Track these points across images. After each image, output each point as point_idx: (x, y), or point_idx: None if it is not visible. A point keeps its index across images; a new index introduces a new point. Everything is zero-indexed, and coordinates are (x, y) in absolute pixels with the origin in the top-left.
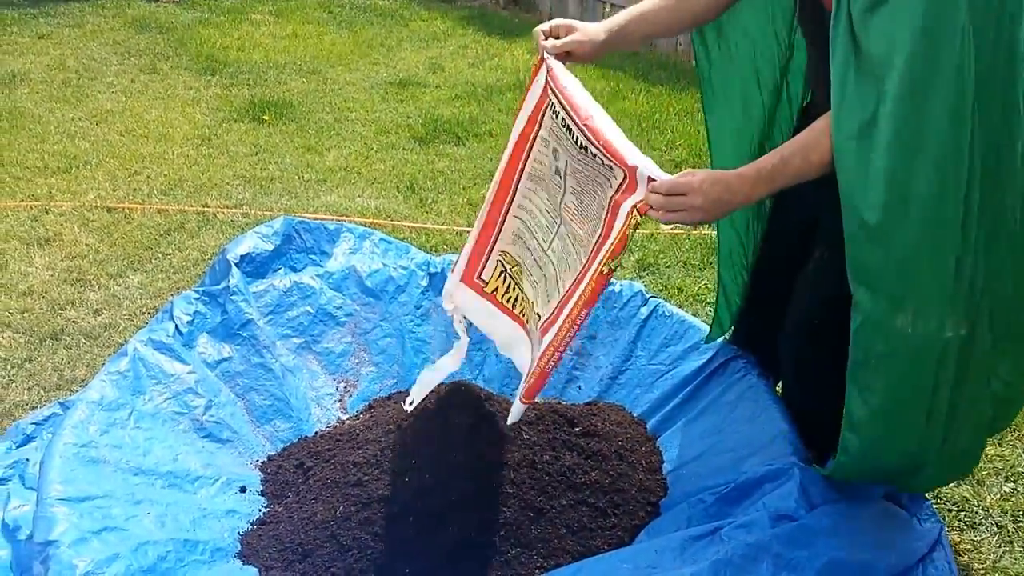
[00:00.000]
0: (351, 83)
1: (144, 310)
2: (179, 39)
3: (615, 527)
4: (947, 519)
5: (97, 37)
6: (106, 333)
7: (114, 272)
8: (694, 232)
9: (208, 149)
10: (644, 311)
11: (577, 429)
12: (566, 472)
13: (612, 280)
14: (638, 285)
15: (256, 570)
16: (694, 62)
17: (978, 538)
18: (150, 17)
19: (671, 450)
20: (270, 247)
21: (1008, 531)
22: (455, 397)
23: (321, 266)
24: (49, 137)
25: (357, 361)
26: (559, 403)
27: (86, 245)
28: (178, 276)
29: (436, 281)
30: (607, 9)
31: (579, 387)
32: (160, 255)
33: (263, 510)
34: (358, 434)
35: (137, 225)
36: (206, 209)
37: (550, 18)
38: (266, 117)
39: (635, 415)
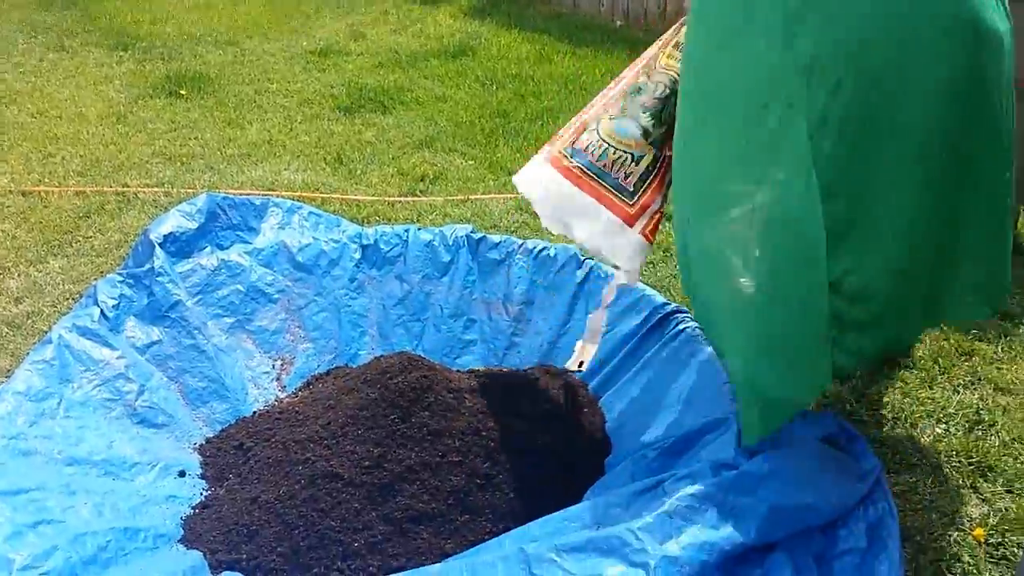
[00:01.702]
0: (270, 53)
1: (67, 296)
2: (87, 14)
3: (562, 487)
4: (884, 462)
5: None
6: (29, 321)
7: (33, 258)
8: None
9: (124, 127)
10: (580, 274)
11: (520, 395)
12: (511, 437)
13: (547, 243)
14: (573, 247)
15: (200, 554)
16: (617, 23)
17: (914, 479)
18: None
19: (613, 409)
20: (194, 225)
21: (943, 471)
22: (396, 368)
23: (249, 243)
24: None
25: (292, 338)
26: (501, 370)
27: (2, 231)
28: (101, 260)
29: (369, 253)
30: None
31: (520, 353)
32: (81, 239)
33: (204, 493)
34: (298, 411)
35: (55, 209)
36: (126, 189)
37: None
38: (183, 92)
39: (576, 377)
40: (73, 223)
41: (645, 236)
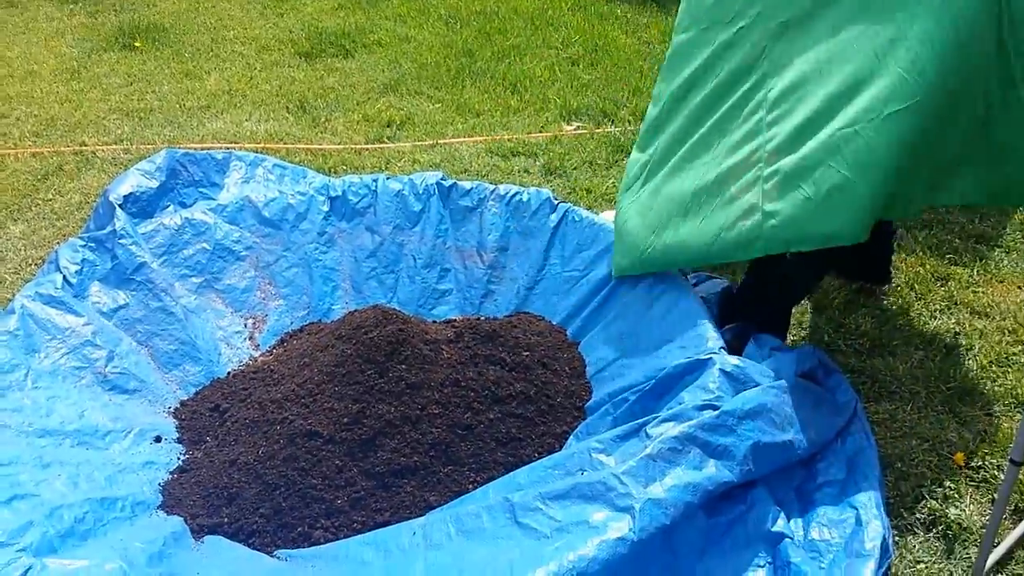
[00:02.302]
0: (225, 0)
1: (30, 262)
2: None
3: (544, 434)
4: (863, 392)
5: None
6: None
7: None
8: (597, 131)
9: (79, 83)
10: (554, 217)
11: (498, 343)
12: (491, 386)
13: (519, 188)
14: (546, 191)
15: (181, 519)
16: None
17: (893, 407)
18: None
19: (592, 353)
20: (155, 184)
21: (921, 397)
22: (371, 322)
23: (213, 199)
24: None
25: (263, 295)
26: (478, 319)
27: None
28: (63, 223)
29: (338, 205)
30: None
31: (496, 301)
32: (40, 201)
33: (182, 458)
34: (273, 370)
35: (11, 172)
36: (84, 148)
37: None
38: (137, 44)
39: (555, 323)
40: (31, 185)
41: None
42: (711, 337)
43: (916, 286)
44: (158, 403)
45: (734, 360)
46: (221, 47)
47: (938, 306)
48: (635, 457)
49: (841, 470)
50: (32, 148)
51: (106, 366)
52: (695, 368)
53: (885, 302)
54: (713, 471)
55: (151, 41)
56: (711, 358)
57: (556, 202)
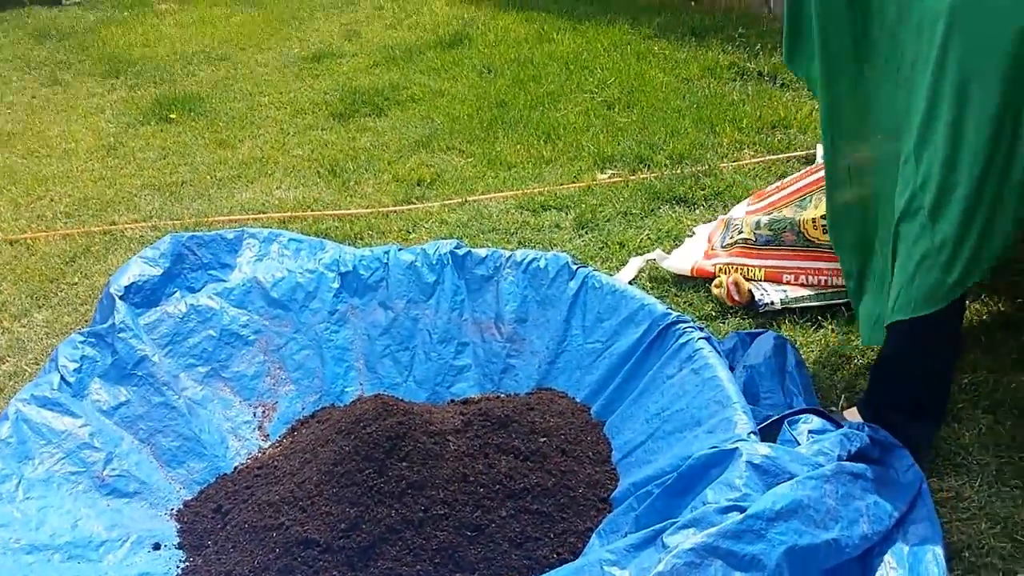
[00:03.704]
0: (262, 64)
1: (50, 352)
2: (81, 44)
3: (565, 532)
4: (924, 466)
5: None
6: (11, 383)
7: (17, 312)
8: (632, 178)
9: (114, 160)
10: (573, 285)
11: (511, 429)
12: (503, 479)
13: (536, 253)
14: (564, 256)
15: None
16: None
17: (960, 482)
18: (51, 24)
19: (619, 436)
20: (158, 271)
21: (991, 470)
22: (370, 415)
23: (224, 280)
24: None
25: (273, 381)
26: (492, 398)
27: None
28: (86, 308)
29: (349, 281)
30: None
31: (516, 377)
32: (66, 286)
33: (181, 566)
34: (277, 466)
35: (40, 256)
36: (113, 227)
37: None
38: (173, 115)
39: (578, 400)
40: (59, 270)
41: None
42: (740, 421)
43: (983, 336)
44: (160, 505)
45: (764, 449)
46: (256, 113)
47: (1009, 360)
48: (648, 573)
49: (902, 566)
50: (63, 230)
51: (104, 469)
52: (720, 460)
53: None
54: None
55: (187, 112)
56: (737, 448)
57: (575, 267)
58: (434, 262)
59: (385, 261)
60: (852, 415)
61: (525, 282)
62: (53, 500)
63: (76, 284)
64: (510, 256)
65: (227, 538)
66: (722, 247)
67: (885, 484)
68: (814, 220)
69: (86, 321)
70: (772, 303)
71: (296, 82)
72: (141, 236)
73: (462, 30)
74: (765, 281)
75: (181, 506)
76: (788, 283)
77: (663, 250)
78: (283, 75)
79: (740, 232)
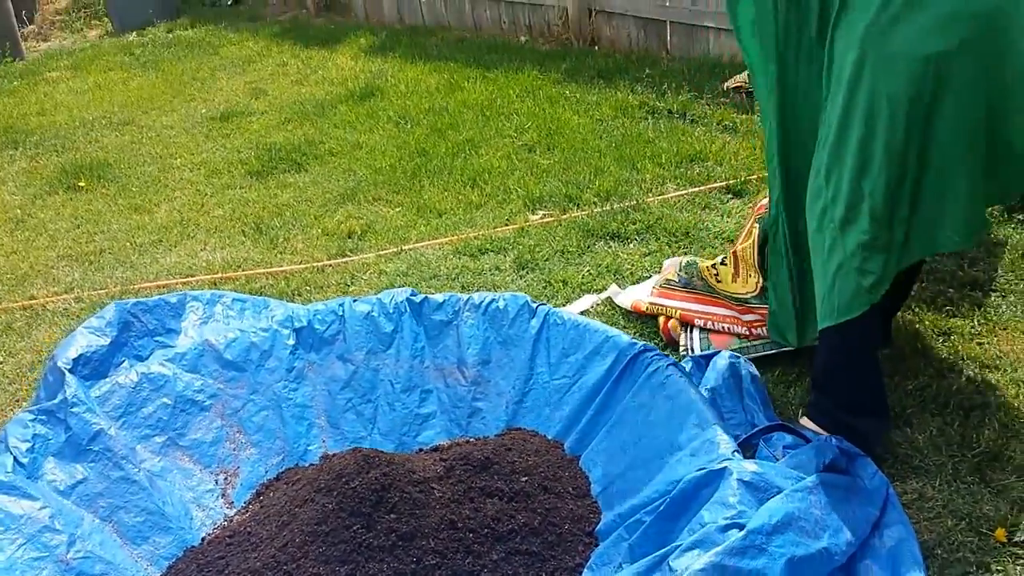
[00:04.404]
0: (169, 126)
1: None
2: None
3: (555, 570)
4: (885, 471)
5: None
6: None
7: None
8: (564, 217)
9: (24, 232)
10: (535, 323)
11: (492, 471)
12: (490, 523)
13: (494, 295)
14: (523, 296)
15: None
16: (521, 39)
17: (920, 484)
18: None
19: (596, 469)
20: (106, 341)
21: (948, 469)
22: (351, 469)
23: (171, 346)
24: None
25: (233, 446)
26: (467, 442)
27: None
28: (15, 387)
29: (304, 336)
30: (423, 7)
31: (484, 419)
32: None
33: None
34: (251, 532)
35: None
36: (32, 302)
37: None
38: (82, 183)
39: (549, 438)
40: None
41: None
42: (722, 441)
43: (919, 345)
44: None
45: (751, 466)
46: (169, 176)
47: (945, 364)
48: None
49: (885, 569)
50: None
51: (68, 552)
52: (710, 480)
53: (890, 366)
54: None
55: (96, 179)
56: (726, 467)
57: (535, 306)
58: (391, 311)
59: (340, 313)
60: (807, 423)
61: (485, 324)
62: None
63: (2, 363)
64: (468, 299)
65: None
66: (655, 286)
67: (856, 492)
68: (708, 267)
69: (17, 401)
70: (692, 351)
71: (207, 142)
72: (64, 309)
73: (372, 83)
74: (682, 322)
75: None
76: (703, 327)
77: (618, 285)
78: (192, 136)
79: (668, 272)
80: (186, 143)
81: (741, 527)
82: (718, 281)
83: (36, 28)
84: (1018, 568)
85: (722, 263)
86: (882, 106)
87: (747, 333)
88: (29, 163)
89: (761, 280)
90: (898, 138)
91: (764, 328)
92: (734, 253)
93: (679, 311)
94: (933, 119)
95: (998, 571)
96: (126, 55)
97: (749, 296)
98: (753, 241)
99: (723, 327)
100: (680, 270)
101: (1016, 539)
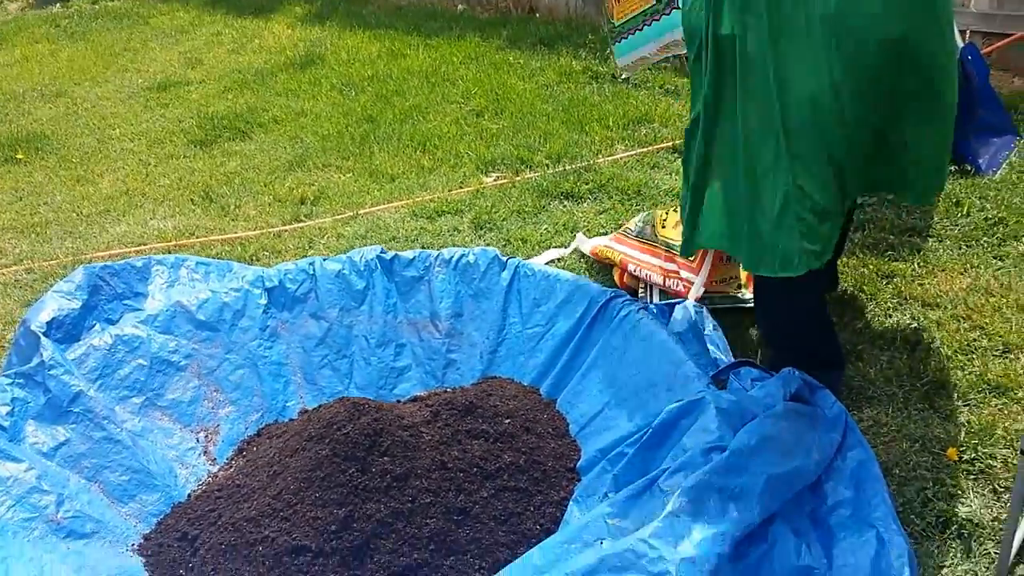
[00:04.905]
0: (104, 97)
1: None
2: None
3: (543, 504)
4: (843, 402)
5: None
6: None
7: None
8: (517, 179)
9: None
10: (506, 275)
11: (477, 415)
12: (479, 462)
13: (464, 250)
14: (492, 250)
15: None
16: (459, 7)
17: (875, 412)
18: None
19: (573, 411)
20: (77, 304)
21: (899, 398)
22: (342, 417)
23: (140, 309)
24: None
25: (211, 404)
26: (451, 391)
27: None
28: None
29: (276, 296)
30: None
31: (459, 370)
32: None
33: None
34: (240, 484)
35: None
36: None
37: None
38: (20, 156)
39: (525, 384)
40: None
41: None
42: (696, 375)
43: (864, 287)
44: (119, 542)
45: (727, 396)
46: (109, 147)
47: (890, 304)
48: (658, 517)
49: (849, 488)
50: None
51: (57, 512)
52: (690, 410)
53: (839, 308)
54: (736, 515)
55: (34, 151)
56: (703, 397)
57: (505, 259)
58: (362, 268)
59: (311, 272)
60: None
61: (456, 278)
62: (12, 549)
63: None
64: (438, 255)
65: (203, 563)
66: (615, 233)
67: (819, 420)
68: (662, 213)
69: None
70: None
71: (145, 112)
72: (16, 280)
73: (311, 51)
74: (621, 268)
75: (142, 540)
76: (633, 272)
77: (584, 234)
78: (129, 107)
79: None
80: (124, 114)
81: (723, 449)
82: (663, 226)
83: None
84: (970, 481)
85: (675, 210)
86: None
87: (661, 283)
88: None
89: None
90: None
91: (679, 281)
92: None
93: (620, 256)
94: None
95: (952, 485)
96: (52, 27)
97: (676, 243)
98: None
99: (646, 274)
100: (640, 220)
101: (966, 457)
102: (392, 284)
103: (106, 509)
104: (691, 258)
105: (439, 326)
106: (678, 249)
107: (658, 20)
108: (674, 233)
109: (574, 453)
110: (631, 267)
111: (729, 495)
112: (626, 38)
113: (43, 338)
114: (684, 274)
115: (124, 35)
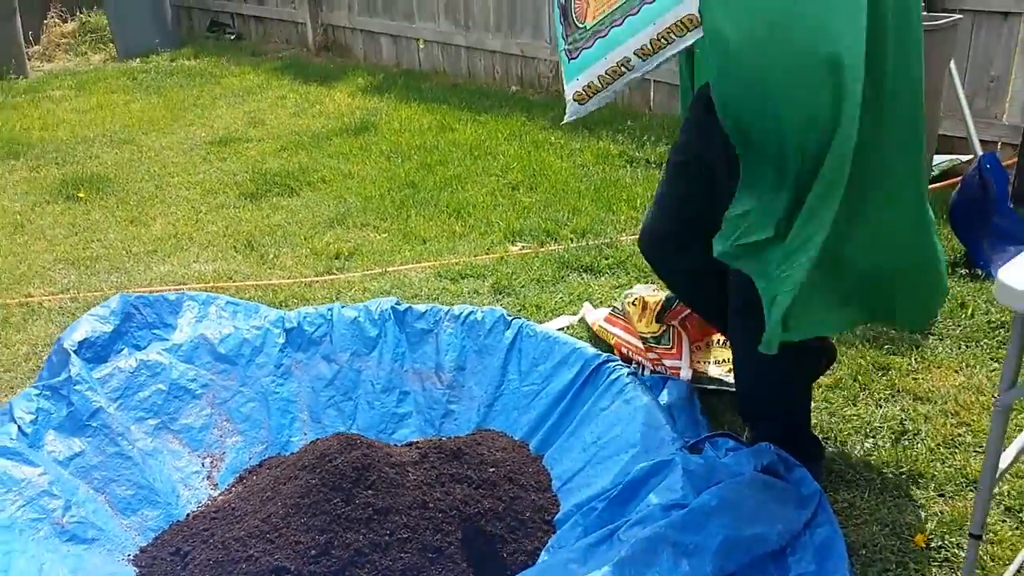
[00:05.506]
0: (168, 147)
1: None
2: None
3: (516, 551)
4: (820, 483)
5: None
6: None
7: None
8: (541, 250)
9: (23, 236)
10: (509, 334)
11: (463, 461)
12: (459, 505)
13: (473, 307)
14: (499, 309)
15: None
16: (512, 88)
17: (851, 495)
18: None
19: (557, 466)
20: (109, 328)
21: (877, 483)
22: (335, 449)
23: (167, 339)
24: None
25: (220, 433)
26: (441, 439)
27: None
28: (11, 375)
29: (294, 336)
30: (421, 44)
31: (456, 420)
32: None
33: None
34: (234, 508)
35: None
36: (29, 299)
37: (365, 61)
38: (81, 194)
39: (516, 439)
40: None
41: None
42: (672, 440)
43: (859, 377)
44: (117, 551)
45: (697, 459)
46: (165, 192)
47: (882, 395)
48: (609, 563)
49: (812, 562)
50: None
51: (64, 516)
52: (659, 470)
53: (832, 395)
54: (687, 570)
55: (95, 191)
56: (673, 458)
57: (510, 319)
58: (376, 317)
59: (329, 317)
60: None
61: (463, 333)
62: (17, 545)
63: None
64: (448, 311)
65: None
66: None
67: (791, 495)
68: (630, 302)
69: (11, 388)
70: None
71: (203, 164)
72: (60, 307)
73: (367, 119)
74: (616, 349)
75: (137, 551)
76: (624, 355)
77: (591, 305)
78: (190, 158)
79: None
80: (183, 164)
81: (684, 507)
82: (639, 320)
83: (41, 49)
84: (934, 568)
85: (632, 303)
86: None
87: (651, 368)
88: (30, 173)
89: (661, 328)
90: None
91: (662, 365)
92: (642, 298)
93: (614, 338)
94: None
95: (915, 570)
96: (129, 79)
97: (650, 336)
98: (659, 300)
99: (637, 358)
100: (625, 298)
101: (933, 544)
102: (403, 334)
103: (109, 519)
104: (669, 345)
105: (442, 377)
106: (652, 342)
107: None
108: (640, 326)
109: (553, 507)
110: (624, 349)
111: (683, 550)
112: (596, 41)
113: (73, 355)
114: (667, 362)
115: (195, 92)
